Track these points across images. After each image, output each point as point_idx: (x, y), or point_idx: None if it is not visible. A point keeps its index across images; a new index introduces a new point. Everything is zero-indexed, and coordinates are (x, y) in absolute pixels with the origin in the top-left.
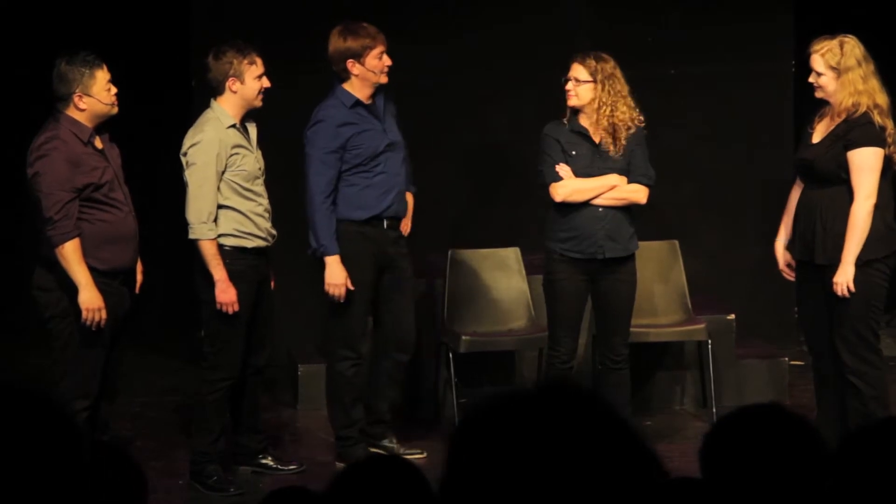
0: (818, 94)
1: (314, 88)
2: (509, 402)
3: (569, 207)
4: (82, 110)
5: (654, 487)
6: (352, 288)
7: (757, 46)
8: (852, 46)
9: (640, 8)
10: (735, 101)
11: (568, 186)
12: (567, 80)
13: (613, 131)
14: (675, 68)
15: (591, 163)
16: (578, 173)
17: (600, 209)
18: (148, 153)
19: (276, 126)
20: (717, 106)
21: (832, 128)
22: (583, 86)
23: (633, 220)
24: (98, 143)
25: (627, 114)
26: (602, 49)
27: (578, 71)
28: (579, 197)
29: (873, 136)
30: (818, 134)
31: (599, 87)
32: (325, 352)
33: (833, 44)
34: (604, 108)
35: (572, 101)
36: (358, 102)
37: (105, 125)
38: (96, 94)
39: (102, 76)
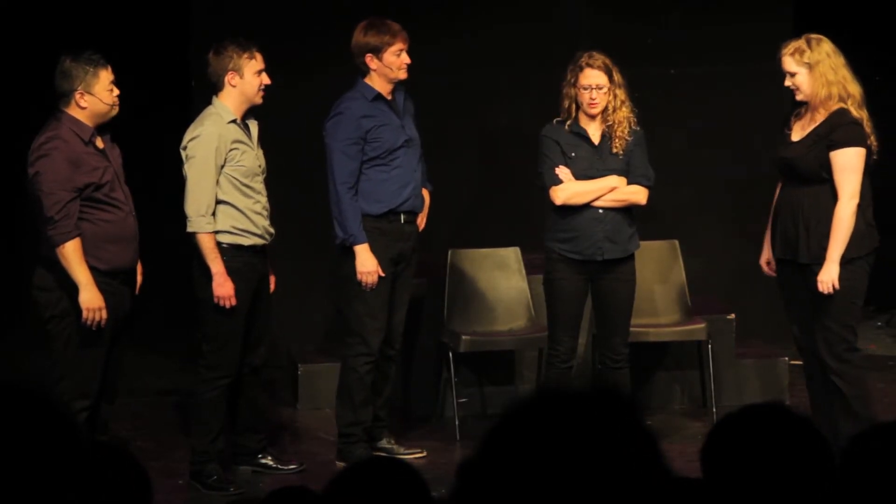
0: (799, 97)
1: (313, 88)
2: (556, 401)
3: (569, 209)
4: (83, 108)
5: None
6: (383, 275)
7: (757, 46)
8: (818, 41)
9: (640, 8)
10: (735, 102)
11: (568, 190)
12: (587, 89)
13: (614, 132)
14: (674, 68)
15: (591, 164)
16: (578, 175)
17: (600, 210)
18: (148, 153)
19: (274, 125)
20: (717, 106)
21: (813, 126)
22: (604, 92)
23: (632, 221)
24: (99, 143)
25: (628, 114)
26: (602, 49)
27: (599, 78)
28: (580, 200)
29: (857, 136)
30: (797, 132)
31: (615, 88)
32: (342, 346)
33: (799, 42)
34: (615, 111)
35: (596, 111)
36: (379, 96)
37: (106, 125)
38: (98, 94)
39: (106, 76)
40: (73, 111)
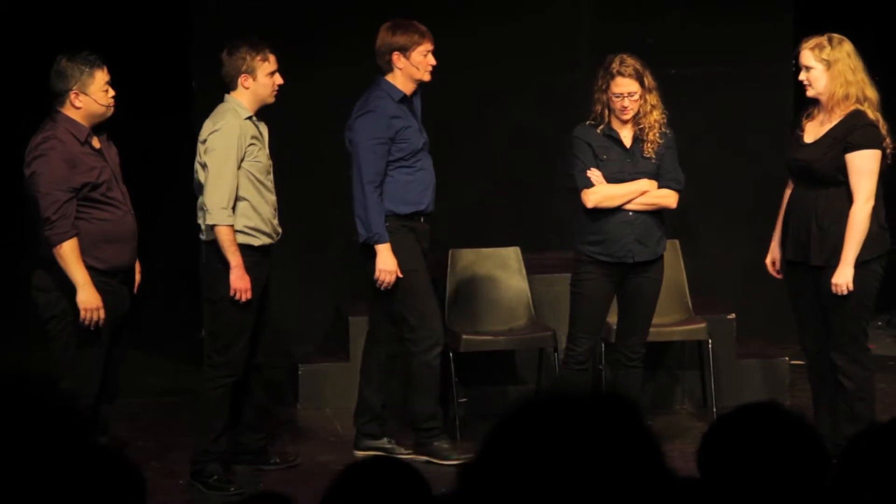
0: (809, 93)
1: (313, 88)
2: (557, 403)
3: (599, 212)
4: (78, 108)
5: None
6: (401, 276)
7: (757, 47)
8: (840, 41)
9: (640, 8)
10: (735, 102)
11: (599, 193)
12: (619, 97)
13: (646, 136)
14: (674, 69)
15: (622, 167)
16: (609, 178)
17: (631, 213)
18: (148, 153)
19: (273, 125)
20: (717, 106)
21: (829, 128)
22: (635, 99)
23: (661, 223)
24: (96, 143)
25: (659, 117)
26: (601, 50)
27: (631, 86)
28: (611, 203)
29: (873, 138)
30: (810, 134)
31: (647, 93)
32: (401, 343)
33: (822, 39)
34: (646, 115)
35: (628, 117)
36: (404, 98)
37: (103, 125)
38: (93, 94)
39: (101, 77)
40: (69, 111)
